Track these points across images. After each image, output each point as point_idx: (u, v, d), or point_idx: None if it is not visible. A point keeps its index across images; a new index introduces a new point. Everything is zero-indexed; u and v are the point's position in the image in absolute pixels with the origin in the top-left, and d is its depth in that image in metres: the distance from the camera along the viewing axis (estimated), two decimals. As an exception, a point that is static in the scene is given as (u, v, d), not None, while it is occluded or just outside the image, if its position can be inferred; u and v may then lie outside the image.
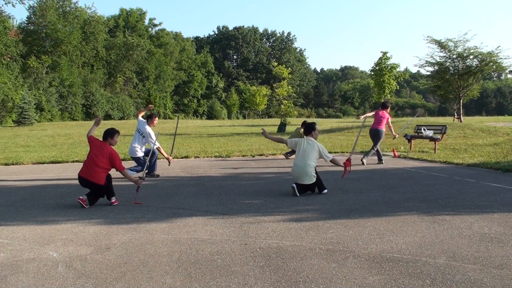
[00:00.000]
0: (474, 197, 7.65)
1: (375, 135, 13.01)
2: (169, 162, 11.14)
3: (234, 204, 7.29)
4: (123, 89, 78.66)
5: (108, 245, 5.01)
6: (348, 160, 8.66)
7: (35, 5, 64.18)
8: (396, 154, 15.01)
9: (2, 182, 10.19)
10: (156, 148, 10.69)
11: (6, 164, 13.71)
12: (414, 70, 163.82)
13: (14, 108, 46.87)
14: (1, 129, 39.39)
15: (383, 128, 12.95)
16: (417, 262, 4.31)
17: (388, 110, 13.20)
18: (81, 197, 7.16)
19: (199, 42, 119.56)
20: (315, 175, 7.98)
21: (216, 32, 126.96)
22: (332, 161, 8.23)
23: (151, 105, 11.57)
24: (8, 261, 4.51)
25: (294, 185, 7.93)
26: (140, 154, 10.63)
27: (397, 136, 13.64)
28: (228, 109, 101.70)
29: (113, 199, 7.38)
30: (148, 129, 10.69)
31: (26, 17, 68.13)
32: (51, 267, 4.33)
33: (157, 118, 11.16)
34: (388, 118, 12.99)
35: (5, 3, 66.04)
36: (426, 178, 10.06)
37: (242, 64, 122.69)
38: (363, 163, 12.62)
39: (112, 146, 7.49)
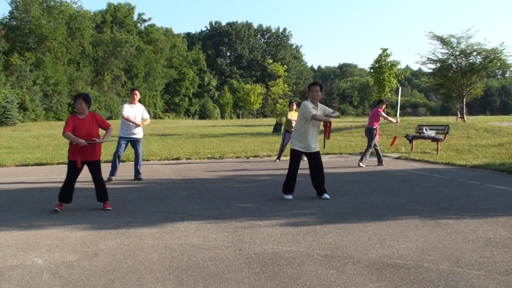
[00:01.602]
0: (478, 200, 7.68)
1: (367, 134, 13.16)
2: (142, 124, 10.85)
3: (227, 208, 7.29)
4: (111, 87, 78.57)
5: (95, 251, 4.99)
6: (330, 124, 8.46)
7: (18, -1, 64.03)
8: (395, 142, 14.86)
9: (-16, 185, 10.15)
10: (125, 117, 10.56)
11: (-13, 167, 13.66)
12: (415, 67, 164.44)
13: (-5, 107, 46.69)
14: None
15: (374, 126, 13.04)
16: (419, 268, 4.32)
17: (383, 107, 13.25)
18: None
19: (190, 38, 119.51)
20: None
21: (209, 28, 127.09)
22: (313, 117, 7.85)
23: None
24: (-9, 269, 4.49)
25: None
26: (121, 134, 10.57)
27: (398, 121, 13.73)
28: (221, 109, 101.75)
29: (107, 202, 7.36)
30: (124, 104, 10.71)
31: (9, 12, 68.12)
32: (35, 274, 4.32)
33: (137, 92, 10.83)
34: (379, 113, 13.01)
35: (-14, -2, 65.75)
36: (428, 180, 10.09)
37: (236, 61, 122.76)
38: (359, 165, 12.66)
39: (75, 115, 7.23)
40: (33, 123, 49.98)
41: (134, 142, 10.70)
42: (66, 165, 7.30)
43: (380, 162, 13.00)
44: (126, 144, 10.73)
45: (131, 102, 10.68)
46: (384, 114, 13.11)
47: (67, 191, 7.19)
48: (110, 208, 7.27)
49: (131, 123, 10.47)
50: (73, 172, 7.19)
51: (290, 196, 7.98)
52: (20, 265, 4.57)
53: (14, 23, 65.73)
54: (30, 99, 56.21)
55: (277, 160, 14.79)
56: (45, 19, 65.21)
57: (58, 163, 14.02)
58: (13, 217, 6.83)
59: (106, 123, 7.62)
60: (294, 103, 14.99)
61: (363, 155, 13.08)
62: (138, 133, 10.71)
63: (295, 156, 8.03)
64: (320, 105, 8.08)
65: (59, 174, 11.43)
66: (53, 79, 62.72)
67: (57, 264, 4.60)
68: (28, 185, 10.04)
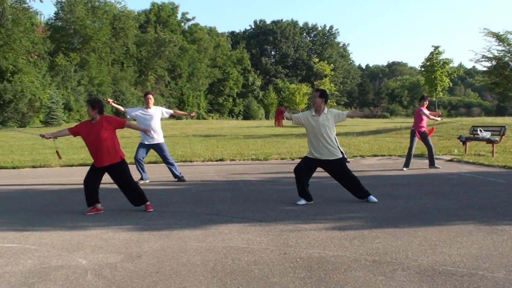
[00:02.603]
0: (537, 205, 7.46)
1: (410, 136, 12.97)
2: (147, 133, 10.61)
3: (272, 210, 7.30)
4: (154, 87, 79.63)
5: (139, 253, 5.08)
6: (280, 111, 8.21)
7: (63, 0, 65.66)
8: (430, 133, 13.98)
9: (30, 185, 10.46)
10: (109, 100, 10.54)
11: (33, 167, 14.06)
12: (469, 65, 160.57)
13: (41, 108, 48.05)
14: (29, 130, 40.43)
15: (416, 127, 12.65)
16: (473, 276, 4.23)
17: (425, 104, 12.77)
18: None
19: (234, 37, 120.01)
20: None
21: (253, 27, 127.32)
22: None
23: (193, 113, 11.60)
24: (36, 268, 4.63)
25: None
26: (141, 139, 10.57)
27: (438, 117, 13.40)
28: (266, 109, 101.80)
29: (147, 203, 7.46)
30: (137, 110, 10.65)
31: (54, 13, 69.78)
32: (80, 275, 4.42)
33: (150, 96, 10.65)
34: (421, 112, 12.60)
35: (33, -1, 67.79)
36: (483, 184, 9.85)
37: (281, 60, 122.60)
38: (435, 167, 12.36)
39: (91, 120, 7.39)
40: (77, 123, 51.14)
41: (156, 148, 10.64)
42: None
43: (432, 165, 12.63)
44: (147, 149, 10.66)
45: (146, 106, 10.56)
46: (426, 113, 12.55)
47: (85, 193, 7.33)
48: (152, 210, 7.37)
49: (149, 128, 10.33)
50: (89, 173, 7.38)
51: (300, 201, 7.85)
52: (65, 266, 4.69)
53: (60, 23, 67.53)
54: (74, 99, 57.56)
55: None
56: (90, 19, 66.70)
57: (102, 164, 14.27)
58: (58, 217, 7.02)
59: (120, 121, 7.56)
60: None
61: (429, 157, 12.69)
62: (157, 137, 10.52)
63: (301, 161, 8.11)
64: (331, 110, 7.87)
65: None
66: (98, 79, 64.11)
67: (101, 265, 4.70)
68: (73, 186, 10.29)
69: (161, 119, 10.75)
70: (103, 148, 7.14)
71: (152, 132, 10.24)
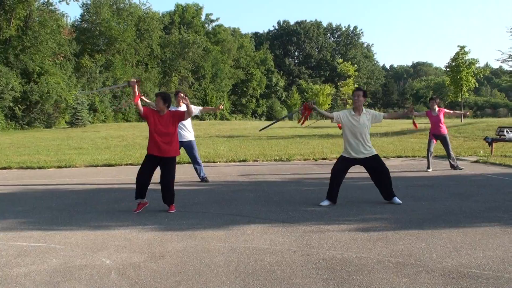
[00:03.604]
0: None
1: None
2: (220, 108, 10.90)
3: (295, 211, 7.28)
4: (178, 88, 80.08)
5: (162, 253, 5.11)
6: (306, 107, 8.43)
7: (89, 2, 66.42)
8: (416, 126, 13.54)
9: (55, 185, 10.59)
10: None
11: (59, 167, 14.23)
12: (495, 65, 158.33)
13: (67, 109, 48.61)
14: (54, 130, 41.01)
15: (431, 130, 12.73)
16: (499, 279, 4.17)
17: (433, 105, 12.63)
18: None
19: (258, 38, 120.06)
20: None
21: (277, 27, 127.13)
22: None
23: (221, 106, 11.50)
24: (61, 267, 4.68)
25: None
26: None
27: (464, 117, 13.36)
28: (289, 110, 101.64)
29: (172, 204, 7.50)
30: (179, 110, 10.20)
31: (80, 15, 70.67)
32: (104, 274, 4.46)
33: (181, 95, 10.07)
34: (428, 114, 12.59)
35: (59, 1, 68.80)
36: (509, 185, 9.71)
37: (304, 61, 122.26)
38: (459, 168, 12.24)
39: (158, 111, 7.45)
40: (102, 124, 51.73)
41: (186, 146, 10.60)
42: (135, 166, 7.54)
43: (452, 166, 12.40)
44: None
45: (177, 105, 10.51)
46: (418, 114, 12.86)
47: (137, 185, 7.37)
48: (174, 211, 7.40)
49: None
50: (145, 164, 7.43)
51: (324, 202, 7.83)
52: (89, 265, 4.74)
53: (85, 25, 68.23)
54: (99, 100, 58.17)
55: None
56: (115, 21, 67.28)
57: (127, 164, 14.39)
58: (83, 217, 7.09)
59: (181, 114, 7.61)
60: None
61: (449, 159, 12.52)
62: (188, 135, 10.55)
63: (338, 162, 8.05)
64: (368, 110, 7.86)
65: (127, 175, 11.75)
66: (122, 80, 64.60)
67: (124, 264, 4.74)
68: (97, 186, 10.38)
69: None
70: (169, 141, 7.28)
71: (184, 130, 10.38)
